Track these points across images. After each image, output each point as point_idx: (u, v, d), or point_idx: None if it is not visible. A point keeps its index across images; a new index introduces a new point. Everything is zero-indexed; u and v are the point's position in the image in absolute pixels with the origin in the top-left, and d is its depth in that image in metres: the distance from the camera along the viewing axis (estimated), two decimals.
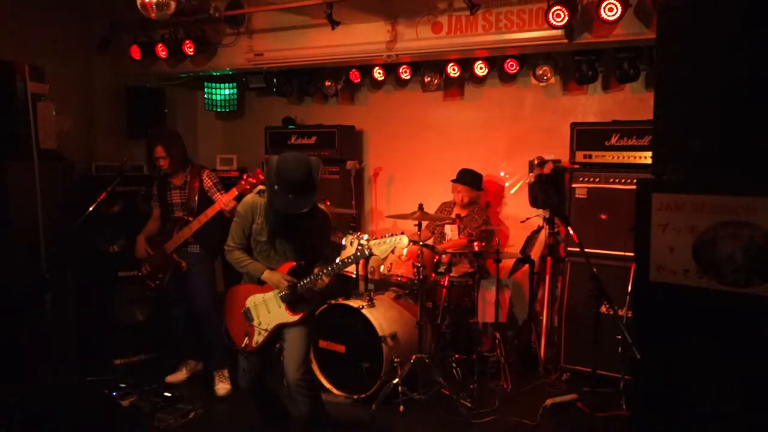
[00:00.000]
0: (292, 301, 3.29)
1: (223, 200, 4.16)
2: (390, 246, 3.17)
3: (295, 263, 3.29)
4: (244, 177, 4.03)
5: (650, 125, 2.35)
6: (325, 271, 3.22)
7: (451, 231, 5.16)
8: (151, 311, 5.20)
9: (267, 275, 3.27)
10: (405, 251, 4.42)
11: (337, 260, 3.35)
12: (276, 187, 3.05)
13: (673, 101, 2.25)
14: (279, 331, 3.35)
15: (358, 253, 3.24)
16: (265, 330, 3.33)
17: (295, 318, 3.28)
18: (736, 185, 2.07)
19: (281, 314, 3.30)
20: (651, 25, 4.02)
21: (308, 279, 3.23)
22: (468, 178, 5.12)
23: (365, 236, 4.50)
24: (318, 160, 3.18)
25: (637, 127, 4.47)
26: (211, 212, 4.23)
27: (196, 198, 4.37)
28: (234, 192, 4.11)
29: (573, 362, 4.69)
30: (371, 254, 3.20)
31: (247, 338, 3.37)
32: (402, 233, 3.21)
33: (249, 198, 3.35)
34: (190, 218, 4.33)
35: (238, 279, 3.55)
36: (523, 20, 4.43)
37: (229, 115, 6.81)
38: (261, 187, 3.34)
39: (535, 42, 4.42)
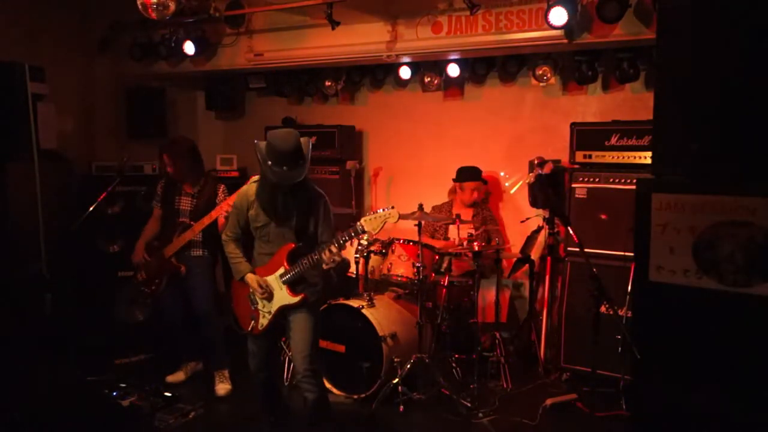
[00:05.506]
0: (293, 283, 3.36)
1: (224, 206, 4.12)
2: (381, 221, 3.21)
3: (293, 245, 3.33)
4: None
5: (650, 125, 2.35)
6: (320, 249, 3.25)
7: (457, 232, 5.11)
8: (151, 311, 5.19)
9: (248, 278, 3.38)
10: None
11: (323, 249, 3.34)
12: (269, 162, 3.12)
13: (673, 101, 2.25)
14: (283, 314, 3.39)
15: (352, 232, 3.28)
16: (269, 312, 3.40)
17: (296, 299, 3.33)
18: (736, 185, 2.07)
19: (283, 296, 3.36)
20: (651, 25, 4.03)
21: (299, 265, 3.28)
22: (475, 174, 5.12)
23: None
24: (306, 138, 3.24)
25: (637, 127, 4.46)
26: (213, 215, 4.17)
27: (207, 209, 4.29)
28: (234, 197, 4.08)
29: (573, 362, 4.68)
30: (363, 230, 3.24)
31: (253, 321, 3.45)
32: (393, 207, 3.24)
33: (243, 188, 3.44)
34: (192, 222, 4.31)
35: None
36: (523, 20, 4.43)
37: (229, 115, 6.80)
38: (255, 177, 3.39)
39: (535, 42, 4.42)
